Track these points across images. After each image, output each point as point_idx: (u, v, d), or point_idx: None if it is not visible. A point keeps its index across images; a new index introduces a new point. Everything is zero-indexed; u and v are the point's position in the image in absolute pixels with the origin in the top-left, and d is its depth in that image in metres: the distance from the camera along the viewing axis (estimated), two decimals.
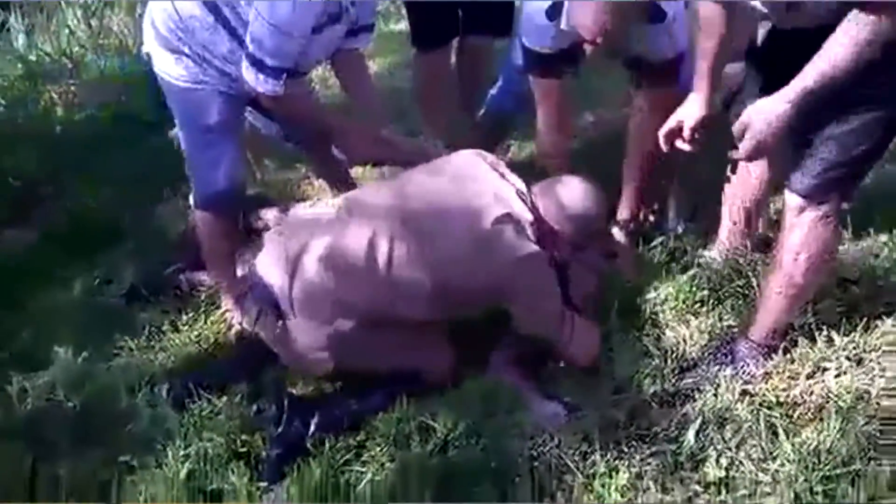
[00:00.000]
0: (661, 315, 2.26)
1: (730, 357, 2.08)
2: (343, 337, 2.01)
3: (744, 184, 2.31)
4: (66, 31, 4.42)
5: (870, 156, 1.86)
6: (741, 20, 3.72)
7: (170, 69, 2.21)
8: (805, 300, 2.05)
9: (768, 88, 1.80)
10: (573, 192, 2.14)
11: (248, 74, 2.10)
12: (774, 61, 1.93)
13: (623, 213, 2.47)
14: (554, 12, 2.11)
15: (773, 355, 2.06)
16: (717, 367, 2.06)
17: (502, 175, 2.13)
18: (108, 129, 3.62)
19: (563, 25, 2.07)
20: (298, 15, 2.01)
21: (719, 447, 1.84)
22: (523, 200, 2.07)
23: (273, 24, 2.01)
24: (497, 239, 1.99)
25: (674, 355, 2.10)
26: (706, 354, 2.11)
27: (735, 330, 2.16)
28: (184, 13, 2.13)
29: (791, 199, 1.94)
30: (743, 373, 2.03)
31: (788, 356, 2.05)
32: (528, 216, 2.05)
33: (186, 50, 2.17)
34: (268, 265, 2.07)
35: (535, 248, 2.01)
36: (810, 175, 1.88)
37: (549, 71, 2.31)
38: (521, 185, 2.12)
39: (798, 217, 1.93)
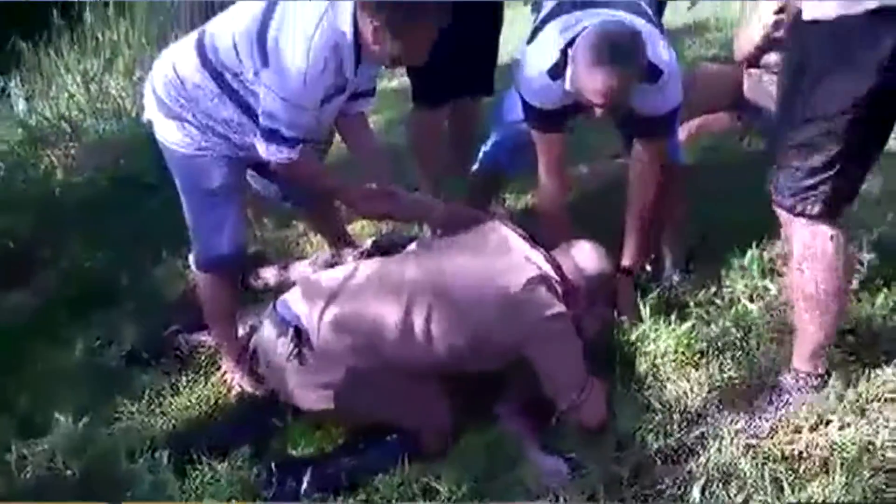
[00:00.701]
0: (661, 368, 2.26)
1: (779, 392, 2.08)
2: (350, 381, 2.03)
3: None
4: (66, 95, 4.49)
5: (850, 160, 1.86)
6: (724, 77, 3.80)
7: (172, 136, 2.24)
8: (831, 320, 2.01)
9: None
10: (587, 255, 2.27)
11: (263, 146, 2.14)
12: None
13: (626, 261, 2.49)
14: (556, 72, 2.16)
15: (822, 386, 2.04)
16: (769, 408, 2.06)
17: (531, 243, 2.21)
18: (107, 192, 3.65)
19: (566, 87, 2.12)
20: (309, 89, 2.06)
21: (725, 503, 1.82)
22: (549, 263, 2.16)
23: (285, 99, 2.06)
24: (529, 298, 2.07)
25: (676, 409, 2.09)
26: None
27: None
28: (187, 81, 2.17)
29: (779, 212, 1.97)
30: (787, 405, 2.04)
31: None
32: (555, 276, 2.15)
33: (189, 117, 2.20)
34: (299, 300, 2.12)
35: (563, 307, 2.09)
36: (790, 185, 1.91)
37: (552, 126, 2.35)
38: (546, 254, 2.21)
39: (791, 229, 1.96)
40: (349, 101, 2.31)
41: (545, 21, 2.28)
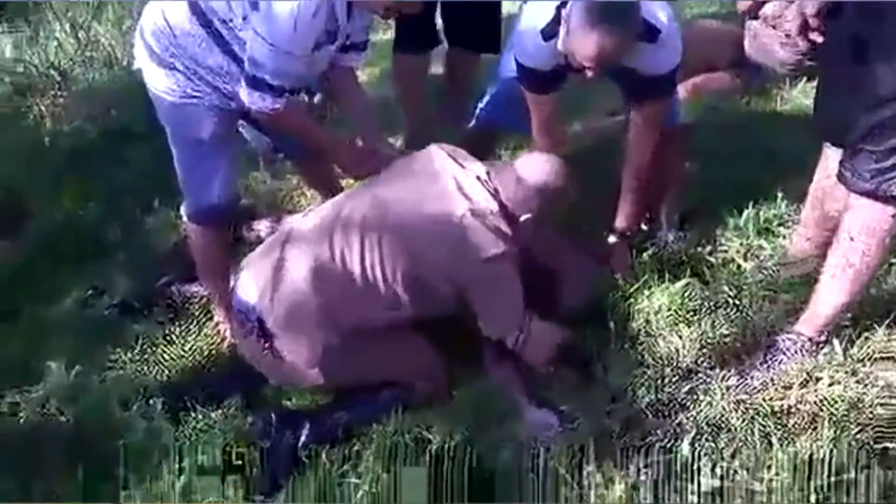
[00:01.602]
0: (654, 324, 2.26)
1: (774, 353, 2.08)
2: (331, 353, 2.02)
3: (827, 204, 2.25)
4: (54, 43, 4.41)
5: None
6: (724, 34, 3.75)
7: (161, 84, 2.21)
8: (856, 291, 2.02)
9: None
10: (532, 165, 2.15)
11: (246, 94, 2.10)
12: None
13: (620, 221, 2.48)
14: (549, 33, 2.13)
15: (818, 351, 2.05)
16: (762, 366, 2.06)
17: (461, 164, 2.12)
18: (97, 142, 3.61)
19: (559, 47, 2.10)
20: (300, 35, 2.01)
21: (714, 457, 1.84)
22: (485, 186, 2.07)
23: (274, 45, 2.01)
24: (463, 238, 2.00)
25: (668, 365, 2.10)
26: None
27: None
28: (176, 29, 2.13)
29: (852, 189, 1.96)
30: (780, 365, 2.04)
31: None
32: (491, 205, 2.04)
33: (178, 65, 2.16)
34: (248, 285, 2.07)
35: (500, 248, 2.00)
36: (867, 169, 1.89)
37: (545, 86, 2.33)
38: (481, 170, 2.11)
39: (857, 200, 1.94)
40: (340, 54, 2.27)
41: None
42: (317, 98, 3.05)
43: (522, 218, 2.08)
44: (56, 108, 3.91)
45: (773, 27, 3.46)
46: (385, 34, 4.56)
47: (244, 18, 2.06)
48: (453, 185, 2.06)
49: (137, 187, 3.14)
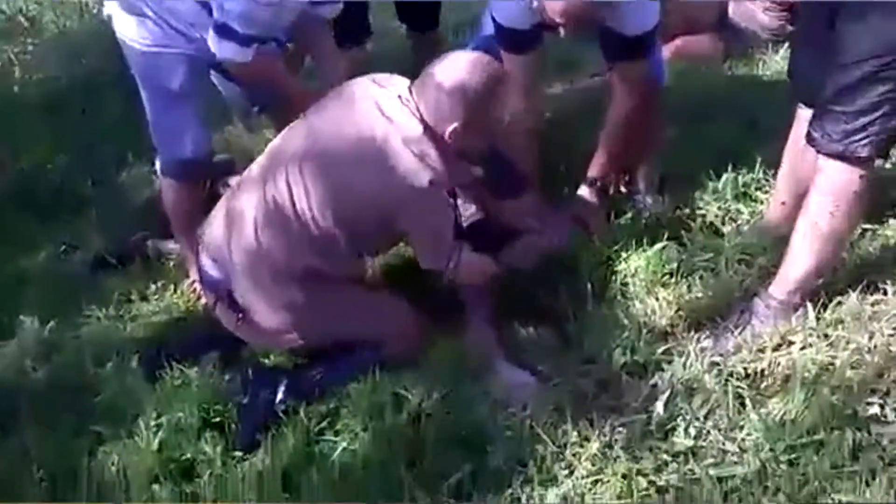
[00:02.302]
0: (630, 287, 2.28)
1: (748, 316, 2.10)
2: (301, 312, 2.01)
3: (799, 167, 2.24)
4: None
5: (889, 102, 1.84)
6: None
7: (131, 32, 2.15)
8: (827, 254, 2.04)
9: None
10: (447, 69, 1.93)
11: (216, 43, 2.05)
12: None
13: (593, 171, 2.46)
14: None
15: (792, 314, 2.06)
16: (736, 329, 2.07)
17: (381, 85, 2.01)
18: (69, 91, 3.52)
19: (533, 4, 2.07)
20: None
21: (688, 417, 1.87)
22: (406, 105, 1.94)
23: None
24: (387, 165, 1.90)
25: (644, 327, 2.12)
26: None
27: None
28: None
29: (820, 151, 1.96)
30: (753, 328, 2.05)
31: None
32: (414, 127, 1.91)
33: (148, 11, 2.11)
34: (211, 240, 2.05)
35: (426, 176, 1.89)
36: (836, 130, 1.89)
37: (522, 47, 2.30)
38: (402, 88, 1.98)
39: (826, 163, 1.94)
40: (313, 5, 2.22)
41: None
42: (289, 47, 2.97)
43: (449, 129, 1.92)
44: (25, 55, 3.82)
45: None
46: None
47: None
48: (374, 108, 1.95)
49: (111, 139, 3.08)
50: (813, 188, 1.99)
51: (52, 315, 2.26)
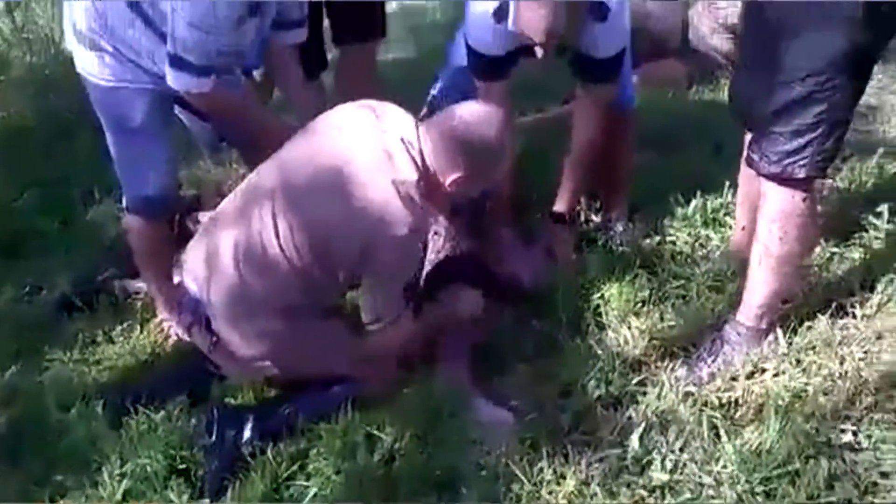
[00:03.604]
0: (604, 316, 2.27)
1: (719, 343, 2.09)
2: (280, 343, 1.96)
3: (752, 190, 2.23)
4: None
5: (833, 120, 1.84)
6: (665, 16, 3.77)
7: (91, 68, 2.12)
8: (785, 277, 2.03)
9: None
10: (462, 118, 1.90)
11: (172, 74, 2.02)
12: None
13: (560, 205, 2.47)
14: (501, 14, 2.09)
15: (763, 339, 2.06)
16: (709, 357, 2.07)
17: (381, 118, 1.92)
18: (36, 128, 3.48)
19: (510, 27, 2.06)
20: (219, 10, 1.93)
21: (664, 450, 1.85)
22: (408, 148, 1.87)
23: (193, 22, 1.92)
24: (375, 209, 1.83)
25: (618, 357, 2.10)
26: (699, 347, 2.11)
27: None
28: (101, 9, 2.05)
29: (748, 172, 1.98)
30: (725, 356, 2.05)
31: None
32: (409, 172, 1.85)
33: (107, 47, 2.08)
34: (188, 278, 2.01)
35: (406, 227, 1.83)
36: (774, 151, 1.89)
37: (496, 73, 2.30)
38: (406, 128, 1.90)
39: (768, 187, 1.94)
40: (276, 31, 2.21)
41: None
42: (257, 76, 2.92)
43: (452, 178, 1.90)
44: None
45: (710, 14, 3.50)
46: None
47: None
48: (368, 142, 1.88)
49: (78, 176, 3.04)
50: (760, 213, 1.99)
51: (14, 359, 2.20)
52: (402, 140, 1.88)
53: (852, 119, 1.92)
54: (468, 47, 2.29)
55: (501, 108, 2.34)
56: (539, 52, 2.06)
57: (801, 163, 1.87)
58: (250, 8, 2.02)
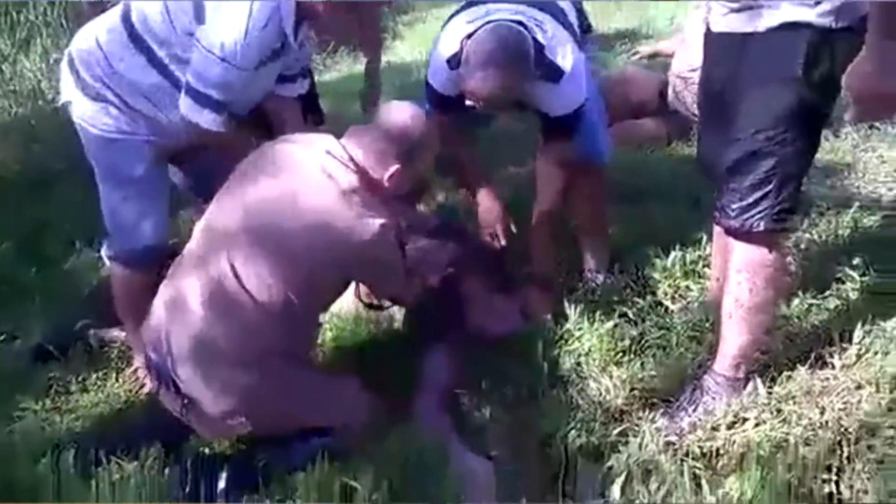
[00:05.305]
0: (584, 366, 2.26)
1: (699, 393, 2.08)
2: (252, 396, 1.93)
3: (723, 243, 2.23)
4: None
5: (787, 173, 1.87)
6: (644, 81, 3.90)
7: (92, 118, 2.13)
8: (757, 328, 2.04)
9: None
10: (386, 115, 2.05)
11: (187, 104, 2.04)
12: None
13: (536, 265, 2.51)
14: (453, 62, 2.21)
15: (742, 388, 2.06)
16: (689, 407, 2.06)
17: (303, 144, 2.01)
18: (19, 177, 3.48)
19: (458, 77, 2.18)
20: (249, 45, 1.98)
21: (645, 501, 1.82)
22: (338, 159, 1.95)
23: (222, 57, 1.97)
24: (335, 225, 1.90)
25: (599, 407, 2.09)
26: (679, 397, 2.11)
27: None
28: (111, 54, 2.07)
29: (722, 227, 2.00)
30: (706, 405, 2.04)
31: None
32: (350, 180, 1.93)
33: (111, 96, 2.10)
34: (152, 334, 1.96)
35: (372, 227, 1.90)
36: (732, 206, 1.91)
37: (446, 109, 2.37)
38: (329, 143, 1.98)
39: (732, 240, 1.96)
40: (281, 84, 2.24)
41: (463, 8, 2.32)
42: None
43: (388, 173, 1.99)
44: None
45: (686, 78, 3.61)
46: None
47: (189, 34, 2.01)
48: (305, 169, 1.94)
49: (57, 226, 3.03)
50: (729, 265, 2.01)
51: None
52: (328, 153, 1.96)
53: (806, 173, 1.95)
54: (426, 80, 2.38)
55: (455, 135, 2.42)
56: (478, 106, 2.19)
57: (759, 216, 1.89)
58: (274, 52, 2.08)
